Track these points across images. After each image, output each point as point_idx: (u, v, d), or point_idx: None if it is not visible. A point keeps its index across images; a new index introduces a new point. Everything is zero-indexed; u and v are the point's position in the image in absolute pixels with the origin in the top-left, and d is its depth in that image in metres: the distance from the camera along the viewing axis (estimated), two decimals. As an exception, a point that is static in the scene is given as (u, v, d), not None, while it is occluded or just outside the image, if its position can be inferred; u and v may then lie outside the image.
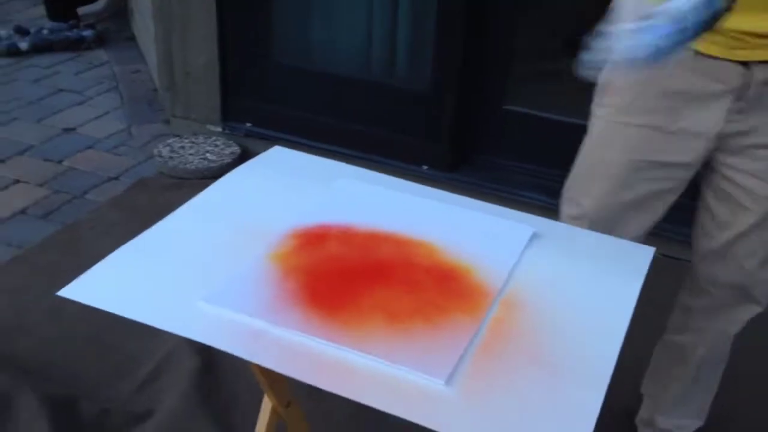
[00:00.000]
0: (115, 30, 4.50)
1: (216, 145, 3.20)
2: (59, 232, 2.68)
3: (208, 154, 3.14)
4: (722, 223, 1.55)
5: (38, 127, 3.44)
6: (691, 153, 1.48)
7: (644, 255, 1.27)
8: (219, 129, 3.30)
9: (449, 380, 0.99)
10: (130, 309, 1.09)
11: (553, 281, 1.20)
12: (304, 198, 1.37)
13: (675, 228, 2.62)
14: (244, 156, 3.09)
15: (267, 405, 1.45)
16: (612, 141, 1.52)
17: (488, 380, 1.00)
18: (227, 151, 3.17)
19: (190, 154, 3.13)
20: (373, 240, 1.25)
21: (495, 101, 2.90)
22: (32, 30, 4.28)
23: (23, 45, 4.15)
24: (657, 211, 1.57)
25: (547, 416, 0.96)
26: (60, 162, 3.16)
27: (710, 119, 1.43)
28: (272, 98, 3.20)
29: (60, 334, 2.19)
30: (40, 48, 4.18)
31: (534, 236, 1.29)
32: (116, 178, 3.06)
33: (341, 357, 1.02)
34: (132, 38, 4.39)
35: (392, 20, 2.94)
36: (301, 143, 2.90)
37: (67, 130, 3.42)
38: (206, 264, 1.18)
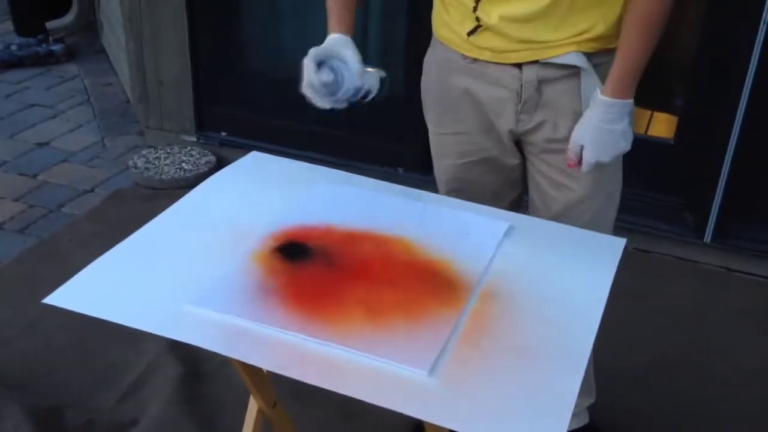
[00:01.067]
0: (84, 43, 4.50)
1: (191, 155, 3.21)
2: (36, 245, 2.68)
3: (183, 164, 3.15)
4: (539, 208, 1.61)
5: (11, 142, 3.42)
6: (497, 149, 1.57)
7: (616, 246, 1.32)
8: (194, 139, 3.31)
9: (432, 371, 1.02)
10: (117, 314, 1.10)
11: (528, 273, 1.24)
12: (283, 201, 1.39)
13: (648, 222, 2.69)
14: (219, 165, 3.10)
15: (253, 406, 1.47)
16: (439, 151, 1.66)
17: (470, 370, 1.03)
18: (203, 160, 3.18)
19: (166, 165, 3.14)
20: (352, 239, 1.28)
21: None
22: (1, 46, 4.27)
23: (-8, 61, 4.14)
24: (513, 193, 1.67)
25: (528, 401, 0.99)
26: (35, 176, 3.15)
27: (502, 120, 1.52)
28: (246, 106, 3.22)
29: (41, 346, 2.19)
30: (10, 64, 4.17)
31: (509, 230, 1.33)
32: (92, 191, 3.06)
33: (326, 352, 1.04)
34: (102, 51, 4.39)
35: (363, 24, 2.98)
36: (277, 150, 2.91)
37: (41, 145, 3.41)
38: (190, 267, 1.20)
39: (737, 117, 2.45)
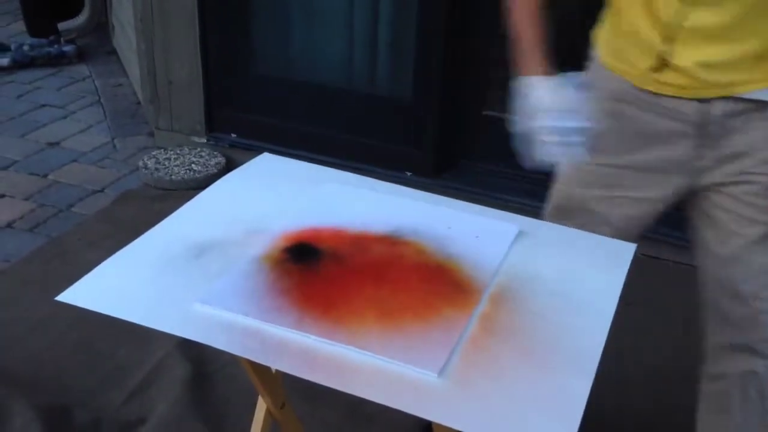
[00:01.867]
0: (96, 45, 4.52)
1: (201, 156, 3.22)
2: (46, 244, 2.69)
3: (193, 165, 3.16)
4: (727, 233, 1.49)
5: (22, 142, 3.44)
6: (657, 188, 1.50)
7: (626, 251, 1.32)
8: (203, 140, 3.32)
9: (441, 373, 1.02)
10: (128, 312, 1.11)
11: (539, 276, 1.23)
12: (294, 202, 1.40)
13: (661, 229, 2.68)
14: (229, 166, 3.11)
15: (261, 406, 1.48)
16: (579, 179, 1.55)
17: (478, 372, 1.03)
18: (212, 161, 3.19)
19: (176, 166, 3.15)
20: (363, 241, 1.28)
21: (475, 107, 2.94)
22: (13, 46, 4.29)
23: (4, 61, 4.16)
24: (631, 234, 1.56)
25: (538, 404, 0.99)
26: (45, 176, 3.17)
27: (674, 155, 1.45)
28: (256, 109, 3.23)
29: (50, 345, 2.20)
30: (22, 64, 4.19)
31: (519, 234, 1.33)
32: (101, 191, 3.08)
33: (335, 353, 1.05)
34: (113, 52, 4.41)
35: (373, 29, 2.99)
36: (286, 152, 2.92)
37: (51, 145, 3.43)
38: (201, 267, 1.21)
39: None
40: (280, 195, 1.43)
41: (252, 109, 3.24)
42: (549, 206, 1.62)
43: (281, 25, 3.16)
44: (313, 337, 1.06)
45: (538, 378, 1.03)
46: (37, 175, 3.17)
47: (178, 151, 3.26)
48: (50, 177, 3.16)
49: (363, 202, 1.40)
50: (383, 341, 1.06)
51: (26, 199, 2.99)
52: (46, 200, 2.99)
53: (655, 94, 1.41)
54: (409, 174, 2.98)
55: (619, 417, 2.01)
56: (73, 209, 2.94)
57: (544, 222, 1.42)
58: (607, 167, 1.51)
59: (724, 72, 1.35)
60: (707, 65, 1.34)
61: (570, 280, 1.23)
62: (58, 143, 3.45)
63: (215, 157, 3.22)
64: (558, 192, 1.60)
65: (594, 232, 1.42)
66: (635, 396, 2.09)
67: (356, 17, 2.99)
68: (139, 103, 3.78)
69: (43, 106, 3.81)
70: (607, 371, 1.76)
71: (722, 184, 1.45)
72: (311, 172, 1.53)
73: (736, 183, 1.43)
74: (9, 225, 2.82)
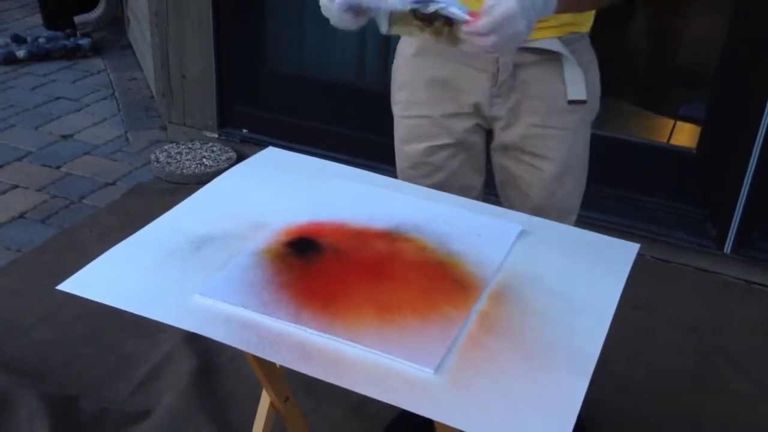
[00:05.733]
0: (111, 38, 4.55)
1: (212, 151, 3.24)
2: (57, 235, 2.71)
3: (204, 160, 3.17)
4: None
5: (36, 133, 3.47)
6: (461, 134, 1.58)
7: (628, 251, 1.31)
8: (215, 135, 3.33)
9: (438, 369, 1.02)
10: (128, 302, 1.12)
11: (539, 275, 1.23)
12: (297, 196, 1.40)
13: (668, 232, 2.67)
14: (240, 161, 3.11)
15: (265, 400, 1.48)
16: (405, 134, 1.64)
17: (476, 369, 1.03)
18: (223, 156, 3.20)
19: (187, 160, 3.17)
20: (364, 236, 1.29)
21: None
22: (29, 38, 4.33)
23: (20, 53, 4.19)
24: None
25: (534, 403, 0.99)
26: (58, 168, 3.19)
27: (476, 99, 1.53)
28: (268, 105, 3.24)
29: (58, 336, 2.22)
30: (37, 56, 4.22)
31: (521, 233, 1.33)
32: (113, 184, 3.10)
33: (333, 347, 1.05)
34: (128, 46, 4.43)
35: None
36: (297, 149, 2.93)
37: (65, 137, 3.45)
38: (202, 259, 1.22)
39: (761, 127, 2.42)
40: (283, 189, 1.44)
41: (264, 105, 3.25)
42: (397, 168, 1.70)
43: (295, 21, 3.17)
44: (310, 330, 1.07)
45: (535, 377, 1.03)
46: (50, 166, 3.20)
47: (190, 146, 3.28)
48: (63, 169, 3.19)
49: (366, 198, 1.41)
50: (381, 336, 1.06)
51: (39, 190, 3.02)
52: (58, 192, 3.02)
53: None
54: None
55: (624, 419, 2.00)
56: (84, 201, 2.96)
57: (547, 221, 1.42)
58: (420, 119, 1.60)
59: None
60: None
61: (571, 280, 1.23)
62: (71, 135, 3.47)
63: (226, 152, 3.24)
64: (398, 153, 1.68)
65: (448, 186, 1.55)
66: (641, 398, 2.08)
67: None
68: (152, 97, 3.80)
69: (58, 98, 3.83)
70: (613, 374, 1.76)
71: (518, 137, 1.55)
72: (315, 166, 1.53)
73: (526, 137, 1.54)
74: (21, 215, 2.85)
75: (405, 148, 1.65)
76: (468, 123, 1.58)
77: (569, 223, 1.55)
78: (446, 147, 1.60)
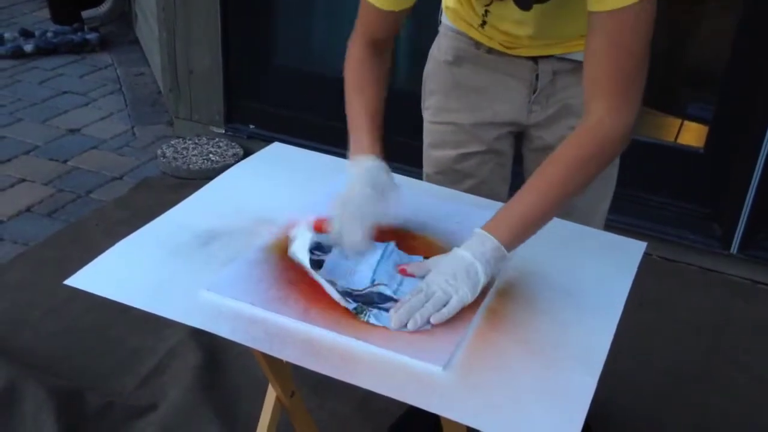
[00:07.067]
0: (118, 33, 4.55)
1: (219, 147, 3.24)
2: (64, 229, 2.72)
3: (211, 155, 3.18)
4: None
5: (43, 127, 3.48)
6: (492, 142, 1.57)
7: (636, 248, 1.31)
8: (222, 131, 3.33)
9: (447, 366, 1.02)
10: (134, 297, 1.11)
11: (547, 273, 1.23)
12: (304, 192, 1.40)
13: (675, 231, 2.67)
14: (246, 157, 3.12)
15: (271, 395, 1.48)
16: (434, 140, 1.63)
17: (484, 366, 1.03)
18: (230, 152, 3.21)
19: (194, 155, 3.17)
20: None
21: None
22: (37, 33, 4.33)
23: (28, 47, 4.20)
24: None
25: (542, 400, 0.99)
26: (65, 162, 3.20)
27: (510, 110, 1.53)
28: (275, 100, 3.24)
29: (65, 329, 2.23)
30: (45, 51, 4.23)
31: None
32: (120, 178, 3.10)
33: (341, 344, 1.05)
34: (135, 41, 4.44)
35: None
36: (303, 145, 2.93)
37: (72, 131, 3.46)
38: (208, 254, 1.22)
39: (768, 128, 2.42)
40: (289, 184, 1.44)
41: (271, 100, 3.25)
42: (424, 173, 1.69)
43: (302, 17, 3.16)
44: (318, 328, 1.07)
45: (544, 374, 1.03)
46: (57, 160, 3.20)
47: (197, 141, 3.28)
48: (70, 163, 3.19)
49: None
50: (390, 334, 1.06)
51: (46, 184, 3.02)
52: (65, 186, 3.02)
53: (493, 51, 1.49)
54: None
55: (629, 417, 2.00)
56: (91, 195, 2.97)
57: (554, 218, 1.41)
58: (451, 125, 1.59)
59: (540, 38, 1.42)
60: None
61: (579, 277, 1.23)
62: (78, 130, 3.48)
63: (233, 147, 3.24)
64: (426, 158, 1.67)
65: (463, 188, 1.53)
66: (646, 397, 2.08)
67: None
68: (159, 92, 3.80)
69: (65, 92, 3.84)
70: (619, 372, 1.76)
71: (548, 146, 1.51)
72: (322, 162, 1.53)
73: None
74: (28, 209, 2.86)
75: (434, 154, 1.64)
76: (500, 131, 1.57)
77: (598, 223, 1.54)
78: (476, 154, 1.59)
